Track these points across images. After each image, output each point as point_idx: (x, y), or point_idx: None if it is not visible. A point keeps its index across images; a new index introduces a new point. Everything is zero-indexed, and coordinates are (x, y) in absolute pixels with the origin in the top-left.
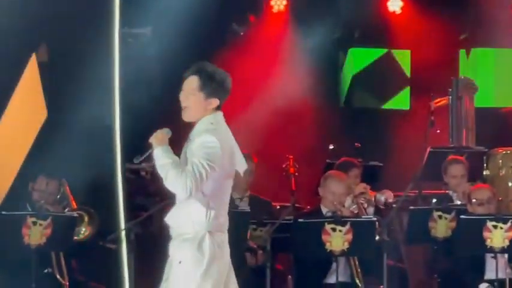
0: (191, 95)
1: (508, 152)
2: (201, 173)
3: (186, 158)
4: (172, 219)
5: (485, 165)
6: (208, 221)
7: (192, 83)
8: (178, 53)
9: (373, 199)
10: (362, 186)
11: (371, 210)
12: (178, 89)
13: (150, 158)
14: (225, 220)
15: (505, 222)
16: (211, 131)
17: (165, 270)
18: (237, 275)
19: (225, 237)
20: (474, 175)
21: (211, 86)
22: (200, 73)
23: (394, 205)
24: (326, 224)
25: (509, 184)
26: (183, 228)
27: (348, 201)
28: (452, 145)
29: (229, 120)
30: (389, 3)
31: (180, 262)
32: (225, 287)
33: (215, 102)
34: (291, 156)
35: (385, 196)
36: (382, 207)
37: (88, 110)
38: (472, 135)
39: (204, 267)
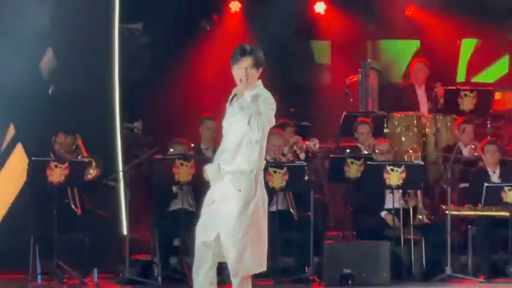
0: (250, 70)
1: (402, 115)
2: (269, 119)
3: (242, 111)
4: (228, 161)
5: (385, 125)
6: (259, 159)
7: (249, 62)
8: (163, 42)
9: (304, 146)
10: (295, 138)
11: (303, 155)
12: (164, 68)
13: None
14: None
15: (399, 167)
16: (266, 91)
17: (210, 195)
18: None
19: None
20: (377, 132)
21: (261, 62)
22: (253, 54)
23: (319, 154)
24: (269, 167)
25: (403, 139)
26: (237, 166)
27: (285, 151)
28: (361, 110)
29: (202, 91)
30: (315, 6)
31: (240, 190)
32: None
33: (260, 72)
34: None
35: (314, 142)
36: (310, 154)
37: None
38: (376, 103)
39: (257, 196)
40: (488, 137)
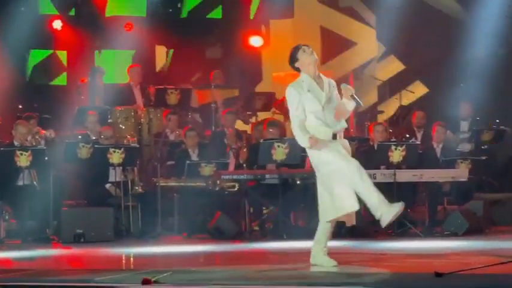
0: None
1: (122, 108)
2: None
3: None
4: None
5: (109, 116)
6: None
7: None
8: None
9: (43, 135)
10: (36, 128)
11: (43, 142)
12: None
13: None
14: None
15: (120, 149)
16: None
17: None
18: None
19: None
20: (103, 122)
21: None
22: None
23: (54, 140)
24: (17, 150)
25: (123, 127)
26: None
27: (29, 138)
28: (90, 105)
29: None
30: (53, 23)
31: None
32: None
33: None
34: None
35: (49, 132)
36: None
37: None
38: (102, 99)
39: None
40: (189, 125)
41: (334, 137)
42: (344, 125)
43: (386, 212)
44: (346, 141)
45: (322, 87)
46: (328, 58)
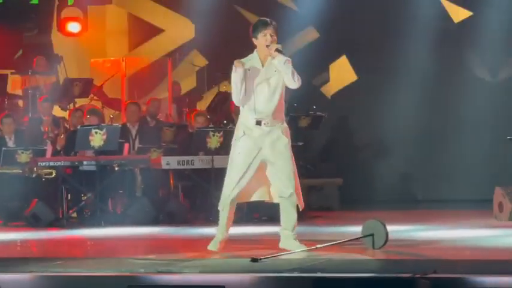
0: (274, 36)
1: None
2: None
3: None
4: (272, 111)
5: None
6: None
7: (272, 30)
8: None
9: None
10: None
11: None
12: None
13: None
14: None
15: None
16: None
17: (268, 152)
18: None
19: None
20: None
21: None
22: (273, 24)
23: None
24: None
25: None
26: (278, 119)
27: None
28: None
29: None
30: None
31: (287, 143)
32: None
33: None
34: None
35: None
36: None
37: None
38: None
39: None
40: (6, 111)
41: (258, 123)
42: (270, 109)
43: None
44: (279, 129)
45: (262, 66)
46: (136, 44)
